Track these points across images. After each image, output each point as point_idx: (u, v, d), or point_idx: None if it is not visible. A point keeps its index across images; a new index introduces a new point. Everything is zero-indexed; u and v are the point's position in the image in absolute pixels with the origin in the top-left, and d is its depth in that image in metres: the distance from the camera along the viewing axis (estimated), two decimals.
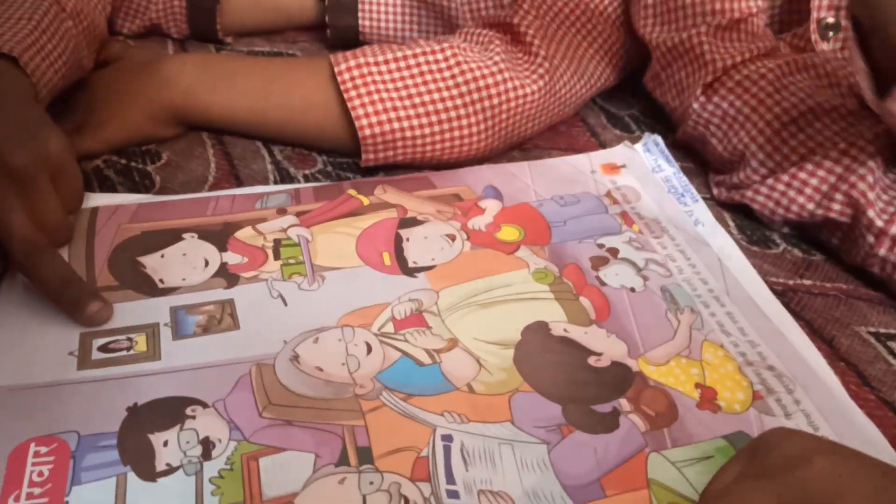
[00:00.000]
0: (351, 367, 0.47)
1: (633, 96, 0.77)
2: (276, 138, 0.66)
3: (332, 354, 0.47)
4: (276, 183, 0.63)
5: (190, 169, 0.64)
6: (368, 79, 0.60)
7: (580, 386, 0.46)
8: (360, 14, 0.81)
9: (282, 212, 0.58)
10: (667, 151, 0.66)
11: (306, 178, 0.64)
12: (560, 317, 0.51)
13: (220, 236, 0.56)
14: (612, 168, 0.65)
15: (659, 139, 0.67)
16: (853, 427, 0.45)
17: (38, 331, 0.48)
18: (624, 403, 0.45)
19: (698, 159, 0.68)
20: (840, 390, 0.47)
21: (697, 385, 0.46)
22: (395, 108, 0.60)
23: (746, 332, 0.50)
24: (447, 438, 0.43)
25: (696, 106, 0.63)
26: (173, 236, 0.55)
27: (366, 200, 0.60)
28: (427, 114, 0.60)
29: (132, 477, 0.40)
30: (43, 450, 0.41)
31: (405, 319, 0.50)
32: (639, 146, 0.67)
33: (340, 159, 0.66)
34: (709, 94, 0.62)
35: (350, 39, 0.83)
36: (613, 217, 0.59)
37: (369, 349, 0.48)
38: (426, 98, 0.60)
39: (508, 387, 0.46)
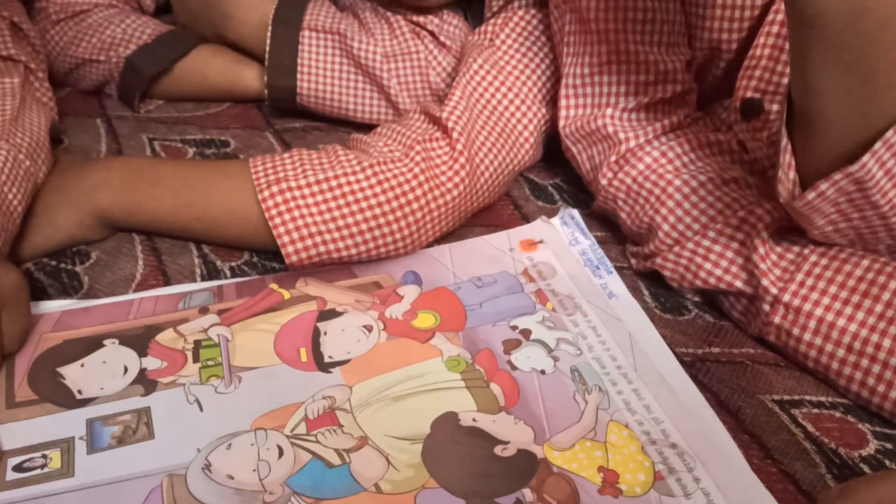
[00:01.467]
0: (262, 472, 0.47)
1: (558, 164, 0.79)
2: (203, 242, 0.67)
3: (243, 461, 0.48)
4: (202, 276, 0.65)
5: (118, 267, 0.65)
6: (292, 204, 0.61)
7: (485, 478, 0.47)
8: (298, 77, 0.83)
9: (204, 311, 0.60)
10: (583, 224, 0.68)
11: (232, 271, 0.65)
12: (470, 405, 0.52)
13: (141, 340, 0.57)
14: (531, 244, 0.66)
15: (575, 213, 0.69)
16: (754, 501, 0.46)
17: None
18: (527, 493, 0.46)
19: (615, 229, 0.70)
20: (743, 464, 0.48)
21: (600, 468, 0.47)
22: (319, 232, 0.61)
23: (652, 410, 0.51)
24: None
25: (603, 182, 0.65)
26: (94, 344, 0.56)
27: (287, 294, 0.61)
28: (352, 235, 0.61)
29: None
30: None
31: (318, 419, 0.51)
32: (556, 220, 0.69)
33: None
34: (615, 171, 0.64)
35: (287, 102, 0.85)
36: (528, 296, 0.61)
37: (281, 452, 0.49)
38: (350, 220, 0.61)
39: (415, 484, 0.47)
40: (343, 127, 0.86)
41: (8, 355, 0.55)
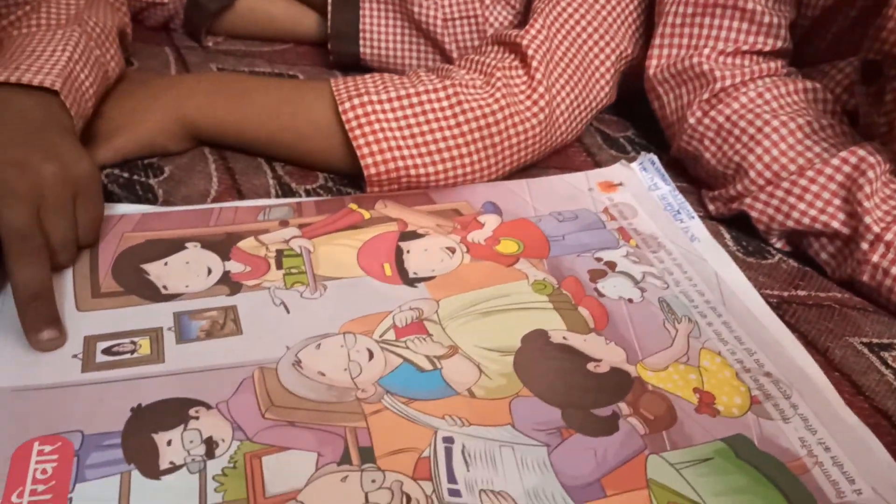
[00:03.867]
0: (353, 372, 0.47)
1: (629, 119, 0.79)
2: (284, 159, 0.67)
3: (334, 360, 0.48)
4: (277, 197, 0.64)
5: (192, 183, 0.65)
6: (373, 117, 0.61)
7: (580, 391, 0.47)
8: (361, 42, 0.83)
9: (284, 224, 0.59)
10: (662, 170, 0.67)
11: (307, 193, 0.65)
12: (559, 325, 0.51)
13: (222, 246, 0.56)
14: (609, 186, 0.66)
15: (655, 158, 0.68)
16: (849, 431, 0.45)
17: None
18: (623, 407, 0.46)
19: (692, 179, 0.70)
20: (835, 397, 0.48)
21: (696, 390, 0.47)
22: (398, 148, 0.61)
23: (743, 341, 0.51)
24: (448, 440, 0.43)
25: (692, 121, 0.65)
26: (176, 245, 0.56)
27: (367, 214, 0.61)
28: (430, 153, 0.61)
29: (136, 475, 0.40)
30: (47, 448, 0.41)
31: (406, 327, 0.51)
32: (635, 165, 0.68)
33: (342, 176, 0.67)
34: (705, 109, 0.64)
35: (351, 65, 0.85)
36: (611, 232, 0.60)
37: (371, 355, 0.48)
38: (429, 138, 0.61)
39: (508, 392, 0.46)
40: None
41: (84, 247, 0.54)
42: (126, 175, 0.65)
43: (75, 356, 0.47)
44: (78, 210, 0.52)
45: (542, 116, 0.63)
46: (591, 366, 0.48)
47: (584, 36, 0.68)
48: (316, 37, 0.89)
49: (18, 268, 0.47)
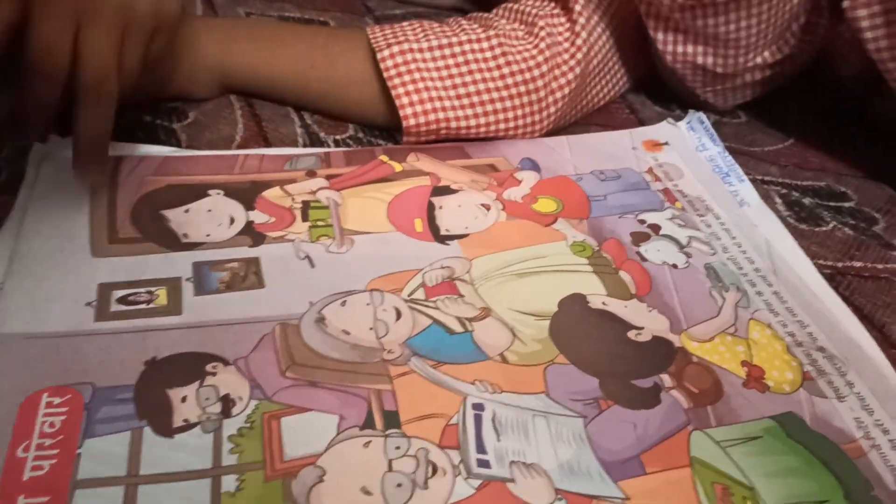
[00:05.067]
0: (379, 331, 0.45)
1: None
2: (316, 109, 0.64)
3: (359, 318, 0.45)
4: (305, 146, 0.61)
5: (217, 129, 0.62)
6: (413, 66, 0.58)
7: (619, 360, 0.44)
8: None
9: (311, 174, 0.56)
10: (712, 130, 0.64)
11: (336, 144, 0.62)
12: (599, 290, 0.48)
13: (246, 194, 0.54)
14: (655, 145, 0.62)
15: (703, 117, 0.64)
16: None
17: (57, 279, 0.46)
18: (666, 379, 0.43)
19: (741, 140, 0.66)
20: (894, 376, 0.44)
21: (744, 363, 0.44)
22: (440, 98, 0.58)
23: (795, 313, 0.48)
24: (478, 407, 0.41)
25: None
26: (199, 192, 0.54)
27: (398, 167, 0.58)
28: (472, 105, 0.58)
29: (148, 432, 0.38)
30: (56, 400, 0.39)
31: (437, 287, 0.48)
32: (682, 124, 0.65)
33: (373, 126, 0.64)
34: None
35: None
36: (655, 193, 0.57)
37: (398, 315, 0.46)
38: (471, 88, 0.58)
39: (543, 358, 0.44)
40: (443, 15, 0.82)
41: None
42: (149, 118, 0.62)
43: (89, 304, 0.45)
44: (151, 44, 0.49)
45: (579, 59, 0.60)
46: (631, 334, 0.45)
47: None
48: None
49: (87, 105, 0.46)
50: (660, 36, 0.63)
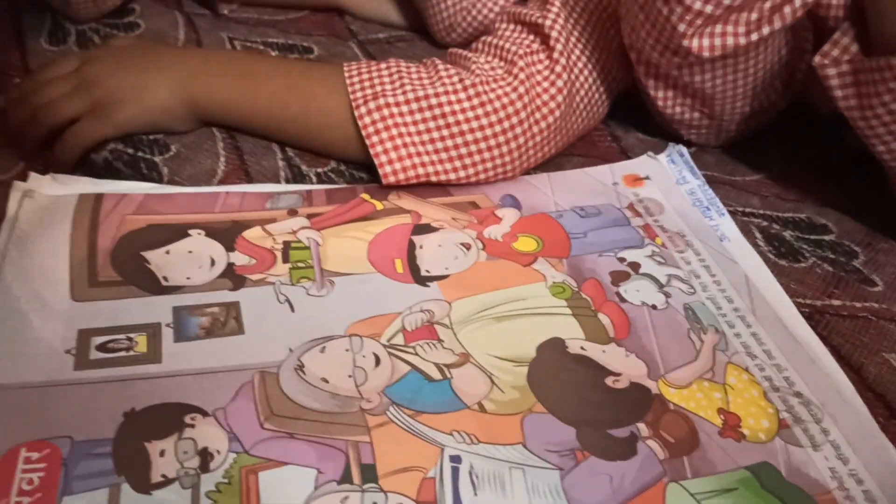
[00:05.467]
0: (358, 379, 0.45)
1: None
2: (293, 146, 0.64)
3: (338, 365, 0.45)
4: (287, 181, 0.61)
5: (199, 162, 0.62)
6: (390, 122, 0.57)
7: (596, 408, 0.44)
8: None
9: (292, 213, 0.57)
10: (692, 163, 0.64)
11: (318, 177, 0.62)
12: (577, 333, 0.48)
13: (227, 234, 0.54)
14: (635, 180, 0.63)
15: (684, 150, 0.65)
16: (884, 462, 0.42)
17: (36, 324, 0.46)
18: (642, 428, 0.43)
19: (724, 168, 0.66)
20: (870, 420, 0.45)
21: (720, 410, 0.44)
22: (418, 154, 0.58)
23: (773, 356, 0.48)
24: (456, 459, 0.41)
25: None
26: (179, 232, 0.54)
27: (379, 205, 0.58)
28: (451, 158, 0.58)
29: (126, 488, 0.38)
30: (34, 456, 0.39)
31: (416, 331, 0.48)
32: (662, 157, 0.65)
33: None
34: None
35: None
36: (636, 230, 0.57)
37: (377, 361, 0.46)
38: (449, 143, 0.58)
39: (521, 407, 0.44)
40: (428, 38, 0.82)
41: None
42: (131, 151, 0.62)
43: (68, 351, 0.45)
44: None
45: (563, 107, 0.60)
46: (609, 380, 0.46)
47: (605, 14, 0.64)
48: (328, 1, 0.86)
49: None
50: (651, 87, 0.64)
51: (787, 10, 0.55)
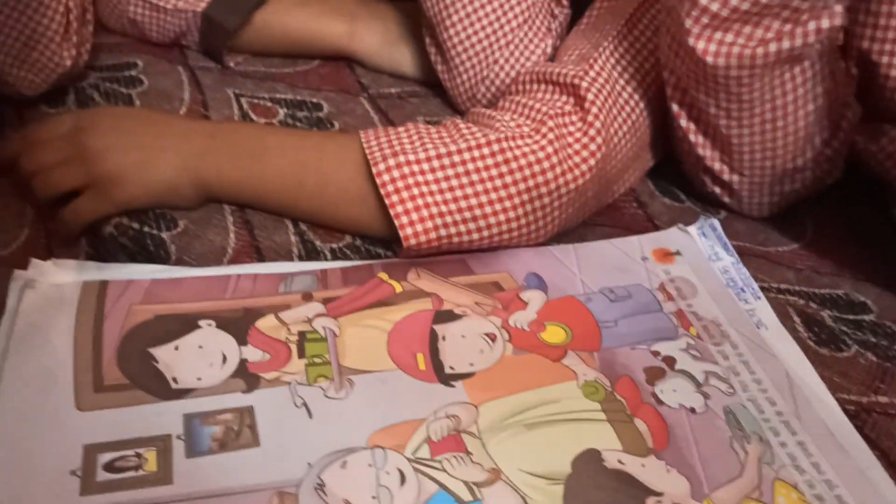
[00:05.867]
0: (383, 500, 0.42)
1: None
2: (308, 222, 0.61)
3: (361, 484, 0.43)
4: (300, 257, 0.59)
5: (208, 239, 0.59)
6: (410, 180, 0.55)
7: None
8: None
9: (307, 297, 0.54)
10: (724, 237, 0.61)
11: (333, 253, 0.59)
12: (614, 444, 0.46)
13: (239, 325, 0.51)
14: (666, 255, 0.60)
15: (716, 223, 0.62)
16: None
17: (39, 439, 0.43)
18: None
19: (756, 238, 0.63)
20: None
21: None
22: (440, 214, 0.55)
23: (822, 470, 0.45)
24: None
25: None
26: (189, 324, 0.51)
27: (398, 287, 0.55)
28: (474, 218, 0.55)
29: None
30: None
31: (442, 441, 0.45)
32: (693, 229, 0.62)
33: None
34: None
35: None
36: (668, 317, 0.54)
37: (403, 479, 0.43)
38: (472, 202, 0.55)
39: None
40: (442, 93, 0.79)
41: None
42: (136, 226, 0.59)
43: (73, 472, 0.42)
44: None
45: (592, 163, 0.57)
46: (651, 501, 0.43)
47: (649, 79, 0.61)
48: (340, 50, 0.83)
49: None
50: (682, 125, 0.61)
51: (810, 26, 0.52)
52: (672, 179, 0.70)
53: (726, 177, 0.63)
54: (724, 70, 0.55)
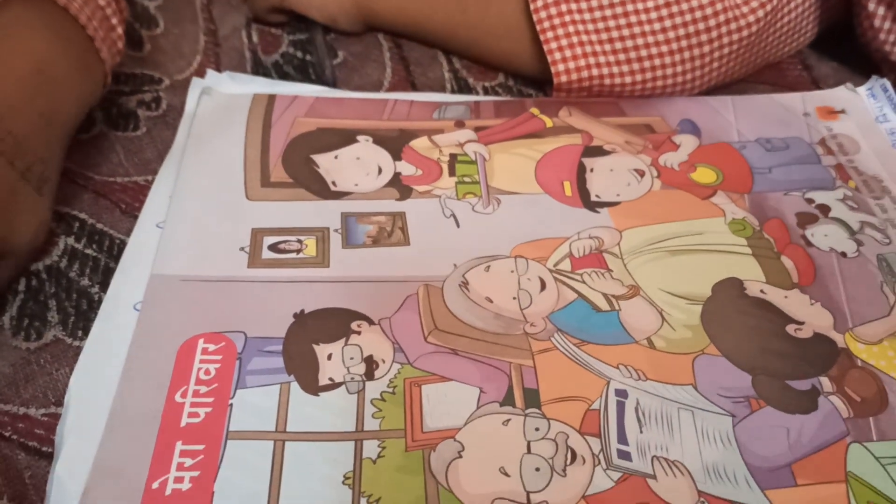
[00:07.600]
0: (522, 302, 0.44)
1: None
2: (463, 55, 0.62)
3: (503, 285, 0.44)
4: (453, 92, 0.60)
5: (366, 72, 0.61)
6: (567, 18, 0.54)
7: (775, 356, 0.41)
8: None
9: (459, 125, 0.55)
10: None
11: (485, 91, 0.60)
12: (757, 275, 0.45)
13: (395, 143, 0.53)
14: (830, 113, 0.57)
15: (888, 84, 0.59)
16: None
17: (213, 222, 0.47)
18: (825, 383, 0.40)
19: None
20: None
21: None
22: (594, 53, 0.54)
23: None
24: (622, 394, 0.39)
25: None
26: (348, 137, 0.53)
27: (549, 122, 0.56)
28: (629, 60, 0.54)
29: (295, 387, 0.39)
30: (211, 347, 0.40)
31: (584, 258, 0.46)
32: (862, 90, 0.59)
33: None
34: None
35: None
36: (826, 169, 0.53)
37: (543, 285, 0.45)
38: (629, 43, 0.54)
39: (693, 347, 0.42)
40: None
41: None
42: (300, 55, 0.62)
43: (242, 249, 0.46)
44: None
45: (761, 14, 0.54)
46: (791, 328, 0.43)
47: None
48: None
49: None
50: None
51: None
52: (843, 45, 0.66)
53: None
54: None
